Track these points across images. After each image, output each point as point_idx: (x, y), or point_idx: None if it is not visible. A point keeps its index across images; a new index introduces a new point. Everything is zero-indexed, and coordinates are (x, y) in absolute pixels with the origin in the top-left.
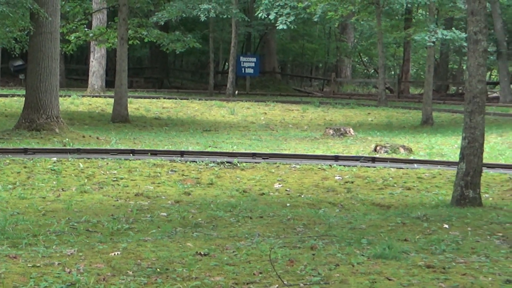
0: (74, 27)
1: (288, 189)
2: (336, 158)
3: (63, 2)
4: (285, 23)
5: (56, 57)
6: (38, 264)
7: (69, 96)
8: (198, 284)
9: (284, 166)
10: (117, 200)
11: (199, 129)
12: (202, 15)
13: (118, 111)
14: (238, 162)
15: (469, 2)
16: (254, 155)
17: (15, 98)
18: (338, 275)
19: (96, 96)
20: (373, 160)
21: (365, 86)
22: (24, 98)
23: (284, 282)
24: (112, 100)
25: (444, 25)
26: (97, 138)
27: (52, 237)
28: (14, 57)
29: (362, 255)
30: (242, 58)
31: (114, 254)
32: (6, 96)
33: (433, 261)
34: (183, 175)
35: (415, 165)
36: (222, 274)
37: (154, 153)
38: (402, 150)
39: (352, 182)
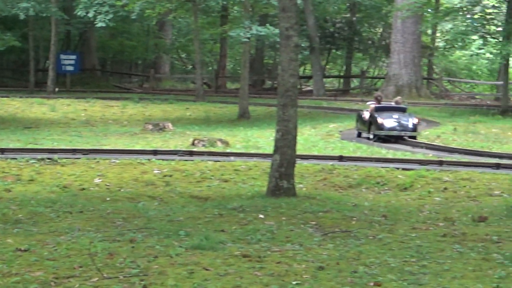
0: None
1: (108, 184)
2: (155, 152)
3: None
4: (104, 20)
5: None
6: None
7: None
8: (18, 279)
9: (104, 161)
10: None
11: (20, 127)
12: (21, 14)
13: None
14: (58, 158)
15: None
16: (74, 151)
17: None
18: (157, 266)
19: None
20: (191, 153)
21: (184, 82)
22: None
23: (104, 275)
24: None
25: (258, 21)
26: None
27: None
28: None
29: (180, 246)
30: (62, 56)
31: None
32: None
33: (249, 250)
34: (3, 172)
35: (232, 158)
36: (42, 269)
37: None
38: (219, 143)
39: (171, 176)
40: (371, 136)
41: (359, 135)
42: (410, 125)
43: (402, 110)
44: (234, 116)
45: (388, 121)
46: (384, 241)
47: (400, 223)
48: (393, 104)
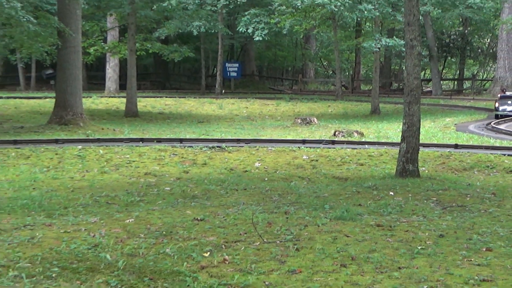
0: (93, 42)
1: (266, 167)
2: (303, 141)
3: (84, 22)
4: (260, 35)
5: (79, 66)
6: (69, 230)
7: (90, 97)
8: (196, 243)
9: (262, 148)
10: (130, 179)
11: (194, 121)
12: (194, 30)
13: (129, 108)
14: (226, 146)
15: (406, 15)
16: (238, 140)
17: (47, 99)
18: (306, 233)
19: (112, 97)
20: (333, 142)
21: (326, 84)
22: (54, 100)
23: (264, 240)
24: (124, 100)
25: (387, 34)
26: (113, 130)
27: (79, 208)
28: (46, 67)
29: (326, 217)
30: (227, 64)
31: (129, 221)
32: (40, 98)
33: (382, 221)
34: (182, 157)
35: (366, 146)
36: (214, 235)
37: (159, 140)
38: (355, 134)
39: (317, 160)
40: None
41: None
42: None
43: None
44: (367, 112)
45: (502, 103)
46: (494, 214)
47: (507, 200)
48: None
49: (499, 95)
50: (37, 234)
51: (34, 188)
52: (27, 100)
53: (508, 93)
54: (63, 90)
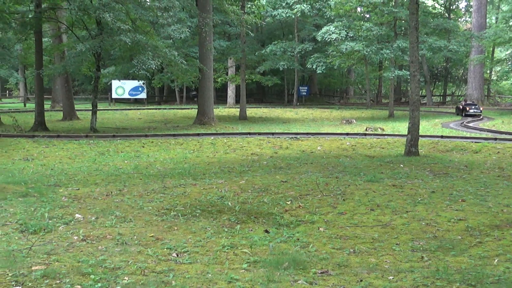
0: (219, 75)
1: (324, 150)
2: (347, 134)
3: (214, 63)
4: (320, 69)
5: (211, 89)
6: (206, 188)
7: (218, 108)
8: (282, 195)
9: (322, 138)
10: (242, 157)
11: (280, 122)
12: (280, 67)
13: (242, 115)
14: (299, 137)
15: (410, 56)
16: (307, 133)
17: (192, 109)
18: (349, 190)
19: (231, 108)
20: (365, 134)
21: (360, 99)
22: (197, 110)
23: (323, 194)
24: (238, 109)
25: (398, 68)
26: (232, 127)
27: (212, 174)
28: (192, 90)
29: (361, 180)
30: (300, 87)
31: (242, 182)
32: (188, 109)
33: (396, 182)
34: (273, 144)
35: (386, 136)
36: (293, 190)
37: (259, 133)
38: (379, 129)
39: (355, 145)
40: (463, 115)
41: (457, 114)
42: (479, 111)
43: (475, 105)
44: (386, 116)
45: (470, 109)
46: (466, 179)
47: (474, 170)
48: (471, 102)
49: (463, 103)
50: (187, 190)
51: (185, 163)
52: (181, 110)
53: (469, 102)
54: (202, 104)
